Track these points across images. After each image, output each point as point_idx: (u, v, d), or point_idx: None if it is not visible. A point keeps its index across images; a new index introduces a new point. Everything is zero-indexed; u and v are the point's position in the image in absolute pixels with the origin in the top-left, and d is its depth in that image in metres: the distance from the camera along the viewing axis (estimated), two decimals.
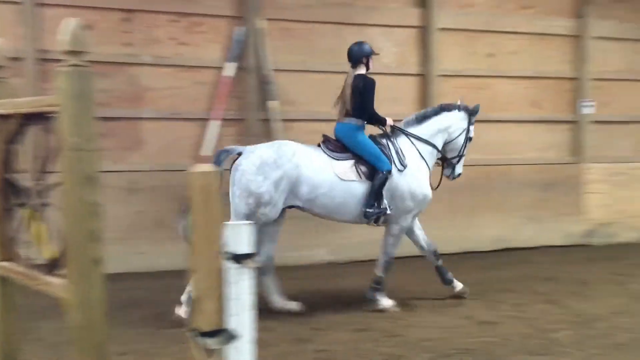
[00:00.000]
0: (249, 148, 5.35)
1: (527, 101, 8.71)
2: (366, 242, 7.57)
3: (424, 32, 8.18)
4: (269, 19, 7.56)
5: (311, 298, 5.90)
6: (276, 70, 7.58)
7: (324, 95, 7.87)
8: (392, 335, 4.89)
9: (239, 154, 5.31)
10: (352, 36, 7.92)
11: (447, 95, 8.26)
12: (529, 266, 7.47)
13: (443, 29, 8.20)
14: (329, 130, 5.60)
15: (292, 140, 5.65)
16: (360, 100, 5.49)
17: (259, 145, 5.45)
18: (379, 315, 5.43)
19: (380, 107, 5.61)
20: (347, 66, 5.73)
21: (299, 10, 7.70)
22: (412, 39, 8.21)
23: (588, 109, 8.84)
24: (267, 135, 7.55)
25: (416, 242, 5.95)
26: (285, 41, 7.69)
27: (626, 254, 8.12)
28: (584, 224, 8.84)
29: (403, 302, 5.73)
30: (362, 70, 5.60)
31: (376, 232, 6.03)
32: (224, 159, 5.29)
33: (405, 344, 4.67)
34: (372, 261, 5.92)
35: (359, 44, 5.64)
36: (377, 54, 5.82)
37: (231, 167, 5.28)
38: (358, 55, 5.58)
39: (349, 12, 7.88)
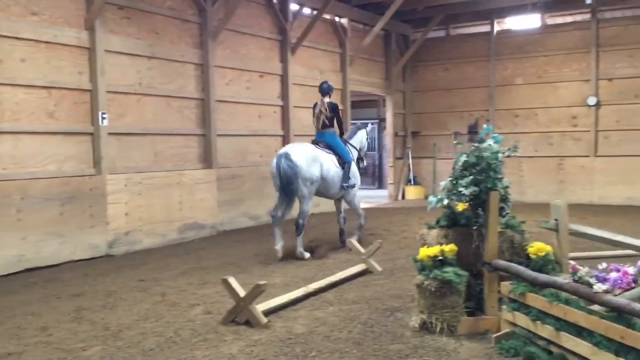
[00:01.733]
0: (289, 149, 8.34)
1: (42, 111, 8.29)
2: None
3: None
4: None
5: None
6: None
7: None
8: None
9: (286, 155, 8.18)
10: None
11: None
12: (54, 285, 7.13)
13: None
14: None
15: None
16: (336, 118, 8.95)
17: (293, 145, 8.65)
18: None
19: None
20: None
21: None
22: None
23: (104, 121, 8.96)
24: None
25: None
26: None
27: (147, 260, 8.54)
28: (108, 235, 8.94)
29: None
30: (328, 99, 8.87)
31: None
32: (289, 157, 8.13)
33: None
34: None
35: (327, 82, 9.05)
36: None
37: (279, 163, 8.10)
38: (328, 90, 8.94)
39: None
